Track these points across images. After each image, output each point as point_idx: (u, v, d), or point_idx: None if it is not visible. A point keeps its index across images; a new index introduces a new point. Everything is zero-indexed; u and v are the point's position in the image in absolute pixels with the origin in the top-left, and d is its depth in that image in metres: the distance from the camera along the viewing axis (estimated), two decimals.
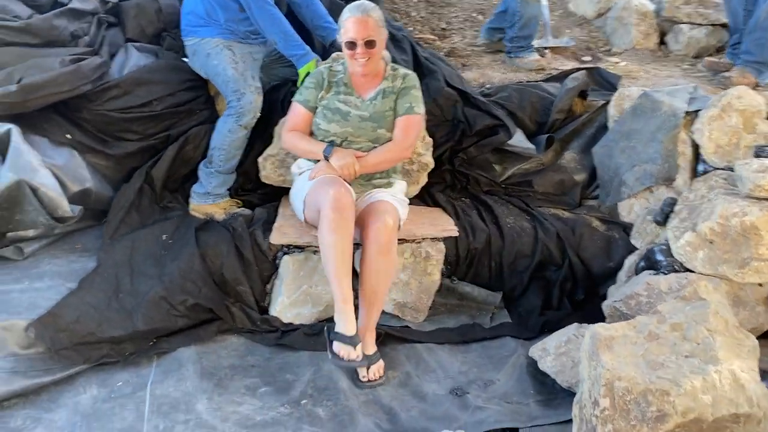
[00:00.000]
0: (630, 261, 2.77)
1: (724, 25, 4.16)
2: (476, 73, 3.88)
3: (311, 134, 2.72)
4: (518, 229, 3.01)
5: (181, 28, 3.03)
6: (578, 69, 3.64)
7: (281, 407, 2.28)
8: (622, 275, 2.79)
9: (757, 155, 2.65)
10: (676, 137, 2.90)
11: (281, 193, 3.08)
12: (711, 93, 3.13)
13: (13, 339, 2.34)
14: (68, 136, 2.84)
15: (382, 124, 2.62)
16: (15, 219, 2.61)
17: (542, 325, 2.75)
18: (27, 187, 2.53)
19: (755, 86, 3.42)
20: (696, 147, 2.90)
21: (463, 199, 3.20)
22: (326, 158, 2.57)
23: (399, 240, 2.74)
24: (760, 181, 2.38)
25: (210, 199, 2.98)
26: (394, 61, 3.05)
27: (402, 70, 2.73)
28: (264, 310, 2.78)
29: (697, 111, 2.92)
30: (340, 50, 2.68)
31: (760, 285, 2.46)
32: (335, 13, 2.98)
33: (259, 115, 2.94)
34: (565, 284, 2.91)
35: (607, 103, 3.31)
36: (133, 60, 3.02)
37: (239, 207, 3.04)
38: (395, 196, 2.66)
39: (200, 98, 3.12)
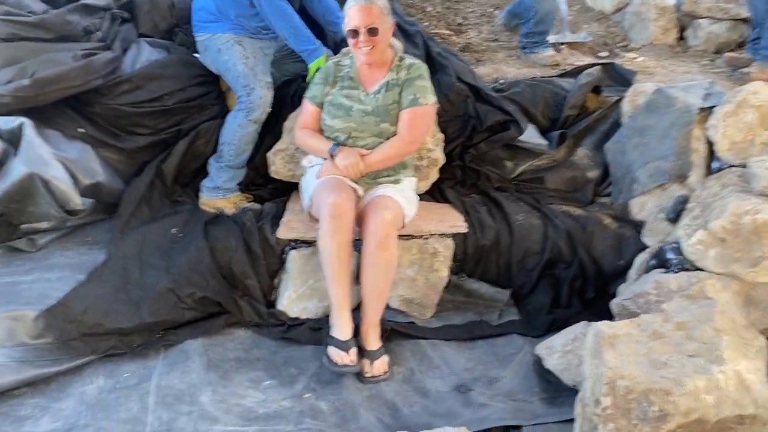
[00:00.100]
0: (641, 259, 2.73)
1: (745, 20, 4.06)
2: (490, 68, 3.85)
3: (321, 131, 2.72)
4: (528, 226, 2.97)
5: (192, 23, 3.05)
6: (593, 64, 3.58)
7: (284, 401, 2.29)
8: (632, 273, 2.74)
9: None
10: (690, 134, 2.84)
11: (291, 187, 3.09)
12: (729, 89, 3.06)
13: (23, 329, 2.38)
14: (81, 130, 2.88)
15: (385, 118, 2.59)
16: (28, 211, 2.66)
17: (550, 323, 2.72)
18: (39, 180, 2.57)
19: None
20: (710, 144, 2.84)
21: (472, 195, 3.18)
22: (331, 157, 2.56)
23: (406, 236, 2.74)
24: None
25: (220, 194, 3.00)
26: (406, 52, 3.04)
27: (408, 60, 2.67)
28: (271, 304, 2.79)
29: (712, 107, 2.86)
30: None
31: None
32: None
33: (269, 110, 2.96)
34: (575, 282, 2.87)
35: (621, 99, 3.26)
36: (145, 55, 3.05)
37: (249, 201, 3.06)
38: (402, 192, 2.64)
39: (211, 93, 3.14)
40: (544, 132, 3.34)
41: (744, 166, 2.65)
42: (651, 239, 2.84)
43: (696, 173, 2.85)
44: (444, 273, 2.80)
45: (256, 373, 2.44)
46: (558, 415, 2.21)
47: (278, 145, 3.04)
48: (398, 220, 2.51)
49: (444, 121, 3.16)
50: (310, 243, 2.75)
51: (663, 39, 4.26)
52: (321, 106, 2.69)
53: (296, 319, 2.72)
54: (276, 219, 2.87)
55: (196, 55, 3.14)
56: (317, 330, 2.64)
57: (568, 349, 2.36)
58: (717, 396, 1.75)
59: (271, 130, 3.07)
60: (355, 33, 2.50)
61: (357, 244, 2.51)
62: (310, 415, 2.21)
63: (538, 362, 2.46)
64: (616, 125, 3.26)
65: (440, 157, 3.05)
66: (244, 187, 3.11)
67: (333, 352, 2.40)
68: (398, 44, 2.73)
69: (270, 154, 3.04)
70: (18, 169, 2.56)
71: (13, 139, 2.66)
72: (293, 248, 2.78)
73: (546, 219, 3.01)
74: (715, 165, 2.82)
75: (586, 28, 4.52)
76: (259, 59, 2.97)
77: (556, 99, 3.39)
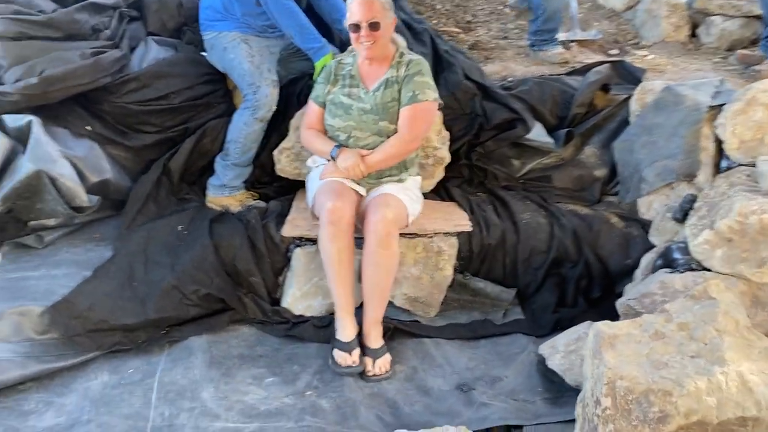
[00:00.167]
0: (647, 259, 2.70)
1: (758, 17, 4.00)
2: (499, 66, 3.83)
3: (325, 131, 2.72)
4: (534, 224, 2.96)
5: (199, 22, 3.06)
6: (602, 62, 3.56)
7: (285, 398, 2.30)
8: (638, 273, 2.72)
9: None
10: (699, 132, 2.80)
11: (297, 186, 3.09)
12: (741, 87, 3.02)
13: (29, 324, 2.41)
14: (88, 127, 2.91)
15: (384, 116, 2.57)
16: (36, 208, 2.68)
17: (555, 322, 2.70)
18: (46, 177, 2.60)
19: None
20: (720, 142, 2.80)
21: (479, 193, 3.16)
22: (333, 160, 2.57)
23: (411, 234, 2.74)
24: None
25: (226, 192, 3.02)
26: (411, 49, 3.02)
27: (408, 57, 2.64)
28: (276, 302, 2.79)
29: (722, 105, 2.83)
30: None
31: None
32: None
33: (275, 108, 2.96)
34: (581, 281, 2.85)
35: (630, 97, 3.23)
36: (152, 53, 3.07)
37: (254, 199, 3.06)
38: (406, 190, 2.63)
39: (218, 92, 3.15)
40: (551, 130, 3.31)
41: (753, 165, 2.62)
42: (658, 239, 2.81)
43: (704, 172, 2.81)
44: (448, 272, 2.79)
45: (259, 370, 2.44)
46: (560, 415, 2.19)
47: (284, 144, 3.05)
48: (400, 219, 2.50)
49: (451, 119, 3.15)
50: (314, 241, 2.74)
51: (675, 36, 4.22)
52: (324, 105, 2.68)
53: (300, 316, 2.73)
54: (281, 217, 2.88)
55: (204, 53, 3.15)
56: (321, 328, 2.65)
57: (571, 349, 2.34)
58: (718, 397, 1.72)
59: (277, 128, 3.07)
60: (356, 27, 2.49)
61: (361, 243, 2.51)
62: (311, 413, 2.21)
63: (541, 362, 2.44)
64: (625, 123, 3.23)
65: (446, 156, 3.04)
66: (250, 185, 3.13)
67: (336, 354, 2.43)
68: (401, 40, 2.71)
69: (276, 153, 3.05)
70: (26, 166, 2.58)
71: (22, 136, 2.69)
72: (298, 246, 2.78)
73: (552, 218, 2.99)
74: (723, 164, 2.78)
75: (597, 26, 4.48)
76: (265, 57, 2.98)
77: (564, 97, 3.37)
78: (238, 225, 2.83)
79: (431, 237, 2.77)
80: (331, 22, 3.19)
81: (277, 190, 3.16)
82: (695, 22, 4.29)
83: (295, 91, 3.14)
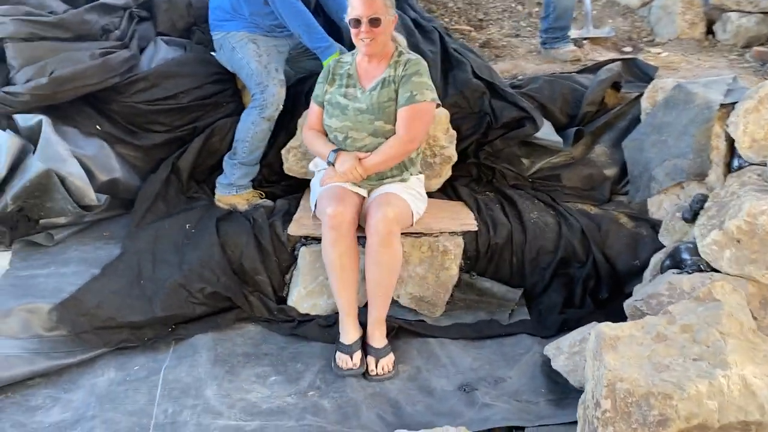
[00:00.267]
0: (656, 259, 2.66)
1: None
2: (509, 64, 3.81)
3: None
4: (542, 224, 2.93)
5: (209, 22, 3.08)
6: (613, 60, 3.51)
7: (288, 397, 2.30)
8: (647, 274, 2.68)
9: None
10: (710, 131, 2.76)
11: (304, 184, 3.10)
12: (755, 85, 2.96)
13: (37, 321, 2.44)
14: (98, 127, 2.95)
15: (379, 116, 2.54)
16: (46, 207, 2.73)
17: (561, 323, 2.68)
18: (55, 176, 2.64)
19: None
20: (732, 141, 2.76)
21: (487, 193, 3.15)
22: (331, 164, 2.56)
23: (416, 234, 2.73)
24: None
25: (233, 190, 3.03)
26: (417, 49, 3.01)
27: (405, 56, 2.60)
28: (283, 300, 2.81)
29: (734, 103, 2.78)
30: None
31: None
32: None
33: (282, 107, 2.97)
34: (589, 282, 2.82)
35: (641, 95, 3.19)
36: (161, 53, 3.10)
37: (262, 198, 3.08)
38: (409, 189, 2.61)
39: (227, 91, 3.17)
40: (562, 128, 3.28)
41: (765, 164, 2.57)
42: (668, 239, 2.77)
43: (715, 171, 2.77)
44: (454, 271, 2.78)
45: (263, 368, 2.45)
46: (563, 416, 2.17)
47: (292, 143, 3.06)
48: (402, 217, 2.49)
49: (459, 118, 3.13)
50: (320, 240, 2.75)
51: (690, 33, 4.15)
52: (323, 105, 2.68)
53: (306, 315, 2.73)
54: (288, 216, 2.89)
55: (214, 53, 3.17)
56: (326, 327, 2.65)
57: (576, 350, 2.32)
58: (720, 401, 1.69)
59: (285, 127, 3.08)
60: (357, 22, 2.47)
61: (365, 242, 2.51)
62: (312, 412, 2.22)
63: (546, 363, 2.43)
64: (636, 122, 3.19)
65: (453, 154, 3.02)
66: (258, 184, 3.14)
67: (338, 356, 2.44)
68: (401, 39, 2.69)
69: (284, 152, 3.06)
70: (35, 165, 2.63)
71: (32, 136, 2.73)
72: (304, 245, 2.79)
73: (560, 217, 2.97)
74: (735, 163, 2.74)
75: (611, 23, 4.43)
76: (273, 57, 2.99)
77: (575, 95, 3.34)
78: (245, 224, 2.85)
79: (437, 236, 2.76)
80: (339, 21, 3.19)
81: (285, 189, 3.17)
82: (711, 18, 4.23)
83: (303, 90, 3.14)
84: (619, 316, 2.45)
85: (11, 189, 2.64)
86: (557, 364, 2.35)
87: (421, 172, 2.80)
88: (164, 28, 3.28)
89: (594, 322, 2.39)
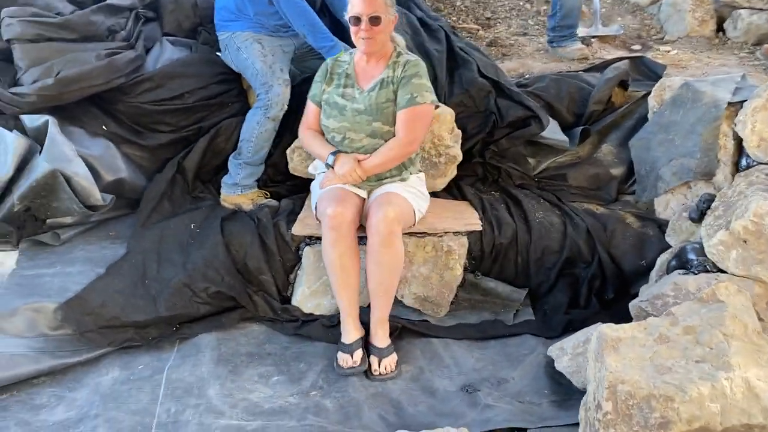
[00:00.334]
0: (662, 259, 2.64)
1: None
2: (516, 62, 3.79)
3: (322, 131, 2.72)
4: (547, 224, 2.92)
5: (214, 22, 3.09)
6: (621, 58, 3.49)
7: (290, 397, 2.30)
8: (653, 274, 2.66)
9: None
10: (717, 130, 2.73)
11: (309, 184, 3.08)
12: (764, 83, 2.93)
13: (43, 320, 2.46)
14: (104, 127, 2.96)
15: (378, 117, 2.52)
16: (52, 206, 2.75)
17: (566, 324, 2.66)
18: (61, 176, 2.66)
19: None
20: (739, 140, 2.72)
21: (492, 192, 3.13)
22: (330, 166, 2.56)
23: (420, 233, 2.72)
24: None
25: (238, 190, 3.04)
26: (422, 48, 3.00)
27: (404, 58, 2.58)
28: (287, 300, 2.81)
29: (742, 102, 2.75)
30: None
31: None
32: None
33: (287, 107, 2.97)
34: (594, 282, 2.80)
35: (648, 93, 3.16)
36: (167, 54, 3.11)
37: (267, 198, 3.08)
38: (409, 188, 2.60)
39: (232, 91, 3.18)
40: (568, 128, 3.27)
41: None
42: (674, 239, 2.74)
43: (723, 171, 2.74)
44: (458, 271, 2.77)
45: (266, 368, 2.46)
46: (566, 418, 2.15)
47: (297, 142, 3.04)
48: (403, 217, 2.48)
49: (465, 117, 3.12)
50: None
51: (700, 31, 4.12)
52: (320, 104, 2.67)
53: (310, 315, 2.73)
54: (293, 215, 2.89)
55: (219, 53, 3.18)
56: (330, 327, 2.65)
57: (579, 351, 2.30)
58: (722, 404, 1.67)
59: (290, 127, 3.08)
60: (357, 20, 2.45)
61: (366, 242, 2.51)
62: (314, 412, 2.22)
63: (549, 364, 2.41)
64: (643, 121, 3.17)
65: (458, 154, 3.01)
66: (263, 183, 3.14)
67: (339, 355, 2.44)
68: (400, 39, 2.68)
69: (288, 151, 3.06)
70: (42, 165, 2.64)
71: (39, 136, 2.75)
72: (308, 245, 2.79)
73: (566, 217, 2.95)
74: (743, 162, 2.70)
75: (620, 21, 4.40)
76: (278, 57, 2.99)
77: (582, 94, 3.32)
78: (250, 223, 2.86)
79: (441, 236, 2.76)
80: (344, 21, 3.19)
81: (290, 188, 3.17)
82: (721, 15, 4.19)
83: (308, 90, 3.14)
84: (625, 317, 2.44)
85: (18, 189, 2.67)
86: (561, 365, 2.33)
87: (421, 171, 2.78)
88: (170, 29, 3.29)
89: (599, 323, 2.37)
